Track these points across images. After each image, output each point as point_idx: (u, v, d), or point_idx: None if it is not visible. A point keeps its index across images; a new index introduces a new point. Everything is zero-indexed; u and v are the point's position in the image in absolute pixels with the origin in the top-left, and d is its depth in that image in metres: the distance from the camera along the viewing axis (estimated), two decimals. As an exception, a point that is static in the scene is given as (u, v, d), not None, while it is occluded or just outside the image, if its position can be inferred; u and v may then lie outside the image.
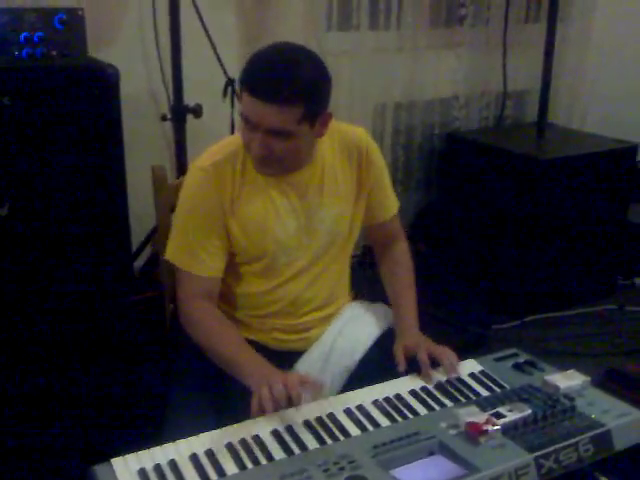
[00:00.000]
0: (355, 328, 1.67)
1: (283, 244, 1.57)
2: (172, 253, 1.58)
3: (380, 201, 1.70)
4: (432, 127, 3.29)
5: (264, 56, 1.43)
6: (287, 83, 1.37)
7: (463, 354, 1.58)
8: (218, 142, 1.61)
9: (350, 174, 1.63)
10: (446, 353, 1.51)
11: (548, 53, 3.07)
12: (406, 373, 1.49)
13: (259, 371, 1.41)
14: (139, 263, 2.44)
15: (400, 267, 1.75)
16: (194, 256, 1.54)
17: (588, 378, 1.40)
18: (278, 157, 1.45)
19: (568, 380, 1.39)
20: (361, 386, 1.45)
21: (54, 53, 1.87)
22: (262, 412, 1.31)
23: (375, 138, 3.06)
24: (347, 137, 1.63)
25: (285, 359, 1.61)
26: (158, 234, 1.84)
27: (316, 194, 1.58)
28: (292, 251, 1.58)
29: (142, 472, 1.17)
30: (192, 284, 1.55)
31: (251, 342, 1.58)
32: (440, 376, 1.47)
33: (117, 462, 1.19)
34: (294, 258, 1.59)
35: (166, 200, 1.77)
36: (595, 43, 3.48)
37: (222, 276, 1.58)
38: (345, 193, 1.62)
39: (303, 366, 1.62)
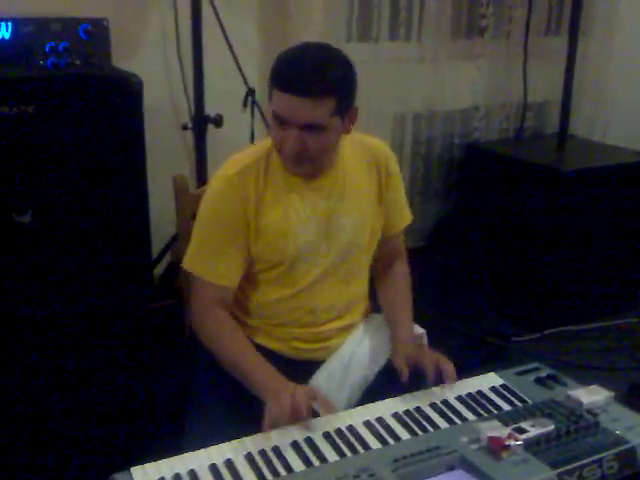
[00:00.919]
0: (374, 340, 1.67)
1: (303, 249, 1.56)
2: (190, 262, 1.58)
3: (395, 213, 1.70)
4: (452, 138, 3.28)
5: (293, 53, 1.45)
6: (319, 77, 1.39)
7: (482, 366, 1.57)
8: (241, 150, 1.62)
9: (371, 184, 1.63)
10: (445, 360, 1.49)
11: (570, 65, 3.06)
12: (409, 383, 1.48)
13: (269, 383, 1.41)
14: (158, 271, 2.45)
15: (398, 281, 1.73)
16: (212, 266, 1.54)
17: (612, 393, 1.38)
18: (311, 153, 1.46)
19: (591, 395, 1.37)
20: (379, 398, 1.44)
21: (78, 63, 1.89)
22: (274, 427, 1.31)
23: (394, 148, 3.06)
24: (368, 147, 1.64)
25: (304, 369, 1.60)
26: (178, 243, 1.85)
27: (337, 200, 1.58)
28: (311, 257, 1.58)
29: (162, 481, 1.17)
30: (207, 292, 1.56)
31: (271, 352, 1.59)
32: (460, 390, 1.46)
33: (136, 471, 1.19)
34: (313, 265, 1.59)
35: (187, 209, 1.78)
36: (617, 55, 3.46)
37: (236, 285, 1.57)
38: (366, 202, 1.62)
39: (322, 376, 1.61)
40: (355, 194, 1.60)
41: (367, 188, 1.63)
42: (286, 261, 1.57)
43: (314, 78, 1.39)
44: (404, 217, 1.74)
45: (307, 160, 1.48)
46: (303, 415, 1.32)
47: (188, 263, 1.59)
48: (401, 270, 1.76)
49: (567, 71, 3.08)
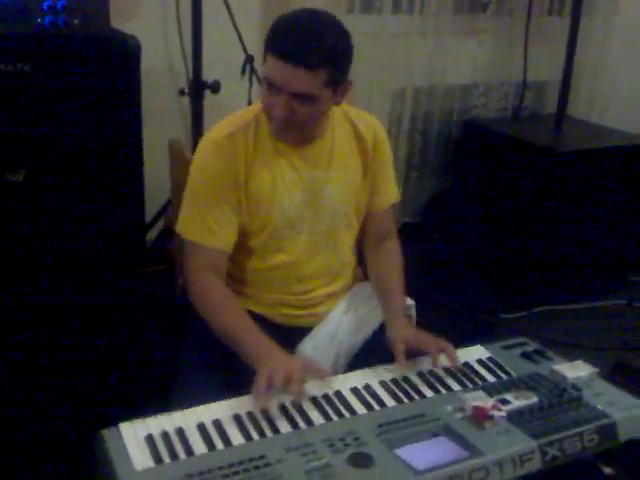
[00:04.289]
0: (362, 309, 1.68)
1: (288, 216, 1.57)
2: (184, 226, 1.58)
3: (379, 188, 1.69)
4: (450, 114, 3.28)
5: (291, 20, 1.43)
6: (315, 47, 1.38)
7: (471, 342, 1.58)
8: (232, 113, 1.61)
9: (359, 155, 1.64)
10: (447, 344, 1.47)
11: (571, 45, 3.05)
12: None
13: (262, 352, 1.41)
14: (151, 236, 2.45)
15: (390, 257, 1.71)
16: (206, 227, 1.54)
17: (596, 369, 1.41)
18: (299, 121, 1.46)
19: (576, 370, 1.39)
20: (365, 367, 1.45)
21: (77, 22, 1.86)
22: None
23: (393, 123, 3.07)
24: (360, 119, 1.64)
25: (293, 335, 1.62)
26: (172, 207, 1.85)
27: (324, 170, 1.59)
28: (296, 225, 1.59)
29: (149, 438, 1.19)
30: (201, 257, 1.56)
31: (260, 317, 1.60)
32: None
33: (125, 427, 1.21)
34: (298, 232, 1.59)
35: (182, 174, 1.77)
36: (618, 37, 3.44)
37: (230, 252, 1.57)
38: (352, 175, 1.63)
39: (310, 343, 1.62)
40: (342, 166, 1.61)
41: (355, 159, 1.63)
42: (271, 226, 1.57)
43: (309, 48, 1.38)
44: (391, 195, 1.72)
45: (294, 127, 1.48)
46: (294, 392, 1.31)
47: (181, 228, 1.59)
48: (392, 247, 1.73)
49: (568, 51, 3.06)
